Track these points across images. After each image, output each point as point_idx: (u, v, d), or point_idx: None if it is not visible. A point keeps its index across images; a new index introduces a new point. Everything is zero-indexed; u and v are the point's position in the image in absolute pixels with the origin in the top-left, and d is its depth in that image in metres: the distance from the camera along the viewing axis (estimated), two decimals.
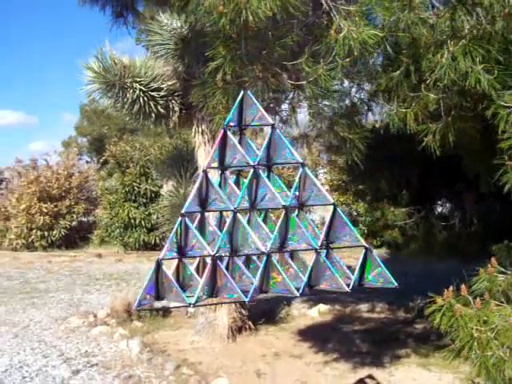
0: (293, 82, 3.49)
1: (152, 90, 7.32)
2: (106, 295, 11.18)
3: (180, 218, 2.68)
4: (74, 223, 17.74)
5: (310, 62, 3.26)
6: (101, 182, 18.83)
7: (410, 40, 3.35)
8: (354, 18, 3.04)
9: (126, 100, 7.24)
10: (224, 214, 3.23)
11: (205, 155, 7.17)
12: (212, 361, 7.15)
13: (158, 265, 2.62)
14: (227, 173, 3.04)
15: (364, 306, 9.75)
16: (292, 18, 3.18)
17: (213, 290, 2.69)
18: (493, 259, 3.84)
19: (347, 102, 4.24)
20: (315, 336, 8.25)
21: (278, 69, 3.33)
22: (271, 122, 2.80)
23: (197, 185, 2.77)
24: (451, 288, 3.51)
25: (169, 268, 2.90)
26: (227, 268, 2.93)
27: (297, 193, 2.79)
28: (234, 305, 7.78)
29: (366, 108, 4.29)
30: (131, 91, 7.18)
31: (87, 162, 33.00)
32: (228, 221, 2.74)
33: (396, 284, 2.74)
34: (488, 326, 3.27)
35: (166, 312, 9.04)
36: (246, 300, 2.58)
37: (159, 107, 7.38)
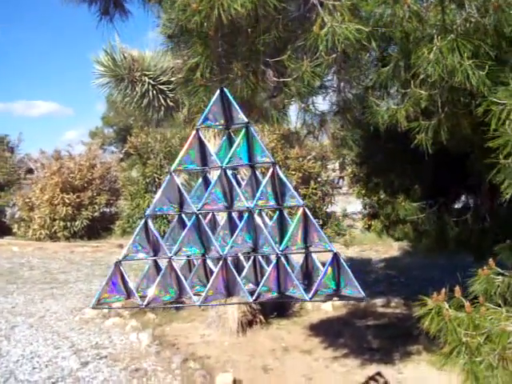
0: (277, 79, 3.42)
1: (161, 84, 7.30)
2: None
3: (143, 220, 2.67)
4: (97, 214, 17.88)
5: (293, 59, 3.19)
6: (123, 172, 18.97)
7: (402, 35, 3.23)
8: (339, 13, 2.95)
9: (135, 93, 7.25)
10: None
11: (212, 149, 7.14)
12: (220, 354, 7.15)
13: (117, 265, 2.61)
14: (208, 174, 2.99)
15: (379, 301, 9.64)
16: (277, 13, 3.10)
17: (179, 290, 2.69)
18: (491, 260, 3.72)
19: (339, 98, 4.13)
20: (327, 331, 8.18)
21: (262, 66, 3.27)
22: (245, 120, 2.73)
23: (162, 187, 2.73)
24: (443, 290, 3.41)
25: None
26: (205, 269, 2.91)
27: (266, 192, 2.71)
28: None
29: (361, 105, 4.17)
30: (140, 85, 7.18)
31: (113, 152, 33.35)
32: (190, 223, 2.70)
33: (364, 295, 2.61)
34: (479, 331, 3.17)
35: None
36: (198, 303, 2.54)
37: (168, 100, 7.37)
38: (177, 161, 2.78)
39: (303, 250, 2.85)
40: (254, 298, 2.63)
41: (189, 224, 2.76)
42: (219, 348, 7.40)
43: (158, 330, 8.11)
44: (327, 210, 17.60)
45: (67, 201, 17.13)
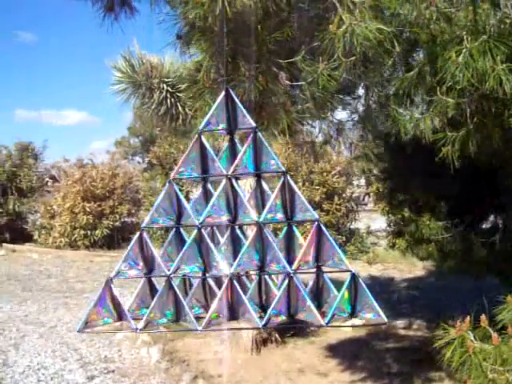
0: (291, 83, 3.16)
1: (180, 91, 7.09)
2: None
3: (137, 233, 2.42)
4: (117, 224, 17.73)
5: (308, 61, 2.92)
6: (144, 183, 18.83)
7: (428, 37, 2.95)
8: (359, 12, 2.69)
9: (152, 101, 7.05)
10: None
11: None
12: (232, 373, 6.86)
13: (107, 283, 2.37)
14: (208, 183, 2.74)
15: (401, 323, 9.26)
16: (290, 9, 2.86)
17: (177, 312, 2.43)
18: None
19: (359, 106, 3.86)
20: (345, 352, 7.85)
21: (273, 67, 3.02)
22: (253, 124, 2.48)
23: (160, 196, 2.49)
24: (468, 318, 3.09)
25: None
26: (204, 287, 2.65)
27: (275, 204, 2.44)
28: None
29: (384, 114, 3.86)
30: (158, 92, 6.98)
31: (139, 162, 33.39)
32: (190, 237, 2.44)
33: (386, 320, 2.33)
34: (507, 366, 2.84)
35: None
36: (200, 329, 2.28)
37: (187, 109, 7.14)
38: (176, 168, 2.54)
39: (315, 270, 2.58)
40: (263, 322, 2.37)
41: (189, 239, 2.51)
42: (231, 366, 7.11)
43: (169, 344, 7.86)
44: (351, 226, 17.21)
45: (88, 209, 17.03)
